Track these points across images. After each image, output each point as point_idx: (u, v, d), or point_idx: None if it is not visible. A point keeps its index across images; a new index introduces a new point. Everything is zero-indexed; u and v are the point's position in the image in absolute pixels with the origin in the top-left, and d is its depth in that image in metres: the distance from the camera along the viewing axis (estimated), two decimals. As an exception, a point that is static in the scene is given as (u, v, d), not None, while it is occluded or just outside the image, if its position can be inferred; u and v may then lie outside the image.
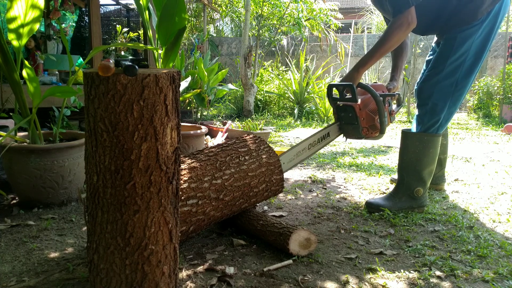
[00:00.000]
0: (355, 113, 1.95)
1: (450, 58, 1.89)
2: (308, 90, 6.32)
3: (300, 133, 4.70)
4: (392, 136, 4.52)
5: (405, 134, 2.02)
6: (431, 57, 2.14)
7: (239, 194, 1.57)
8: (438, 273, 1.40)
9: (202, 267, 1.41)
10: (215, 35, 10.22)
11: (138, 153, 0.99)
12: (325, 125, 4.19)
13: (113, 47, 5.36)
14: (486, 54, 1.91)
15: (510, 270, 1.42)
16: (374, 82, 2.15)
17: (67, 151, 1.98)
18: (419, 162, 1.96)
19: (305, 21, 7.22)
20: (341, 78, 1.98)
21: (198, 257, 1.49)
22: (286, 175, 2.70)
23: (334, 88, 2.01)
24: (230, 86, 4.93)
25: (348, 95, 1.95)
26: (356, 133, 2.00)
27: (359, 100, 1.95)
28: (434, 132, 1.96)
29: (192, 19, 8.60)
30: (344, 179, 2.65)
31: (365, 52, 8.27)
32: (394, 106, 2.21)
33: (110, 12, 8.28)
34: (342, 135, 2.08)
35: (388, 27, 1.85)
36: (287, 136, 4.42)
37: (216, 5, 8.49)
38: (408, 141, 2.00)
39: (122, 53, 5.60)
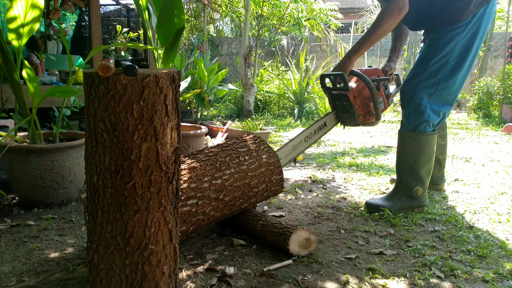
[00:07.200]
0: (349, 101, 1.94)
1: (433, 58, 1.89)
2: (308, 90, 6.32)
3: (300, 133, 4.70)
4: (392, 136, 4.52)
5: (402, 134, 2.02)
6: None
7: (239, 194, 1.57)
8: (438, 273, 1.40)
9: (202, 267, 1.41)
10: (215, 35, 10.21)
11: (138, 153, 0.99)
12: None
13: (113, 47, 5.37)
14: (473, 57, 1.90)
15: (510, 270, 1.42)
16: (369, 66, 2.13)
17: (67, 151, 1.98)
18: (416, 162, 1.96)
19: (305, 21, 7.22)
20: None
21: (198, 257, 1.49)
22: (286, 175, 2.70)
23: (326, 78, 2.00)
24: (230, 86, 4.93)
25: (341, 84, 1.93)
26: (352, 120, 1.99)
27: (353, 87, 1.93)
28: (422, 131, 1.96)
29: (192, 19, 8.60)
30: (344, 179, 2.65)
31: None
32: (392, 88, 2.18)
33: (110, 12, 8.28)
34: (339, 123, 2.07)
35: (380, 13, 1.84)
36: (287, 136, 4.42)
37: (216, 5, 8.49)
38: (405, 141, 2.00)
39: (122, 53, 5.60)
